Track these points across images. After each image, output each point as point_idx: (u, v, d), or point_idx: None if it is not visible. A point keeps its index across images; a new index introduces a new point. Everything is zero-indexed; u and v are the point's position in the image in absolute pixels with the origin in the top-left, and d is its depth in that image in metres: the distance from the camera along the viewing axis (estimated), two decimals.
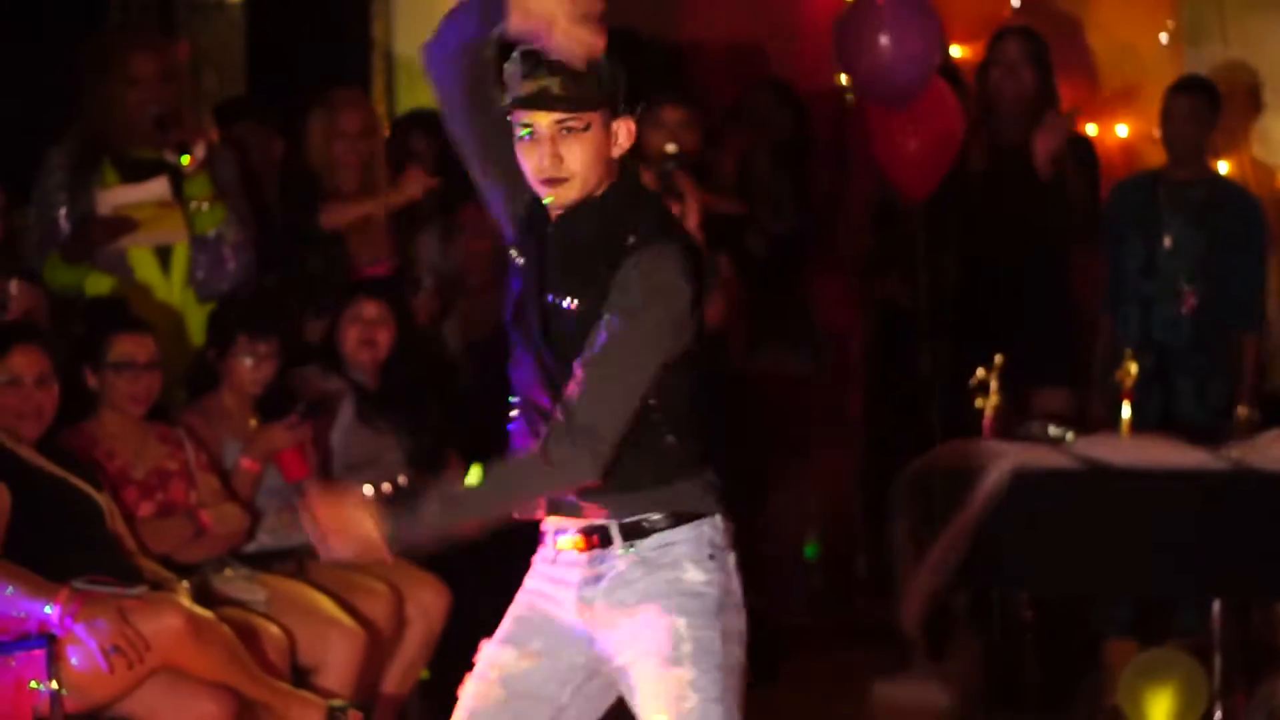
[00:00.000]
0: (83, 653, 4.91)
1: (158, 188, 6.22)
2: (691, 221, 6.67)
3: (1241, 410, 7.24)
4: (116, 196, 6.21)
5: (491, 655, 3.90)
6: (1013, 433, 6.61)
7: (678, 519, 3.70)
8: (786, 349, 7.81)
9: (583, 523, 3.74)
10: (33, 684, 4.95)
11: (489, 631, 6.17)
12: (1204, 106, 7.33)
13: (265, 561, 5.87)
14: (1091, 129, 8.37)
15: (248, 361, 5.99)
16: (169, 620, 5.02)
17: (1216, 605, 6.92)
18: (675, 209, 6.51)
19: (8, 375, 5.27)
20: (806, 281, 7.99)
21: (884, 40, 7.16)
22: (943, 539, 6.29)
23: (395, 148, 7.20)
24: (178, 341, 6.23)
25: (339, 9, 8.27)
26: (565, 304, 3.67)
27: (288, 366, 6.18)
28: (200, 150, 6.17)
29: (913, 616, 6.42)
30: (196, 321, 6.30)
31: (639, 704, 3.71)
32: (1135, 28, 8.74)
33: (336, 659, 5.58)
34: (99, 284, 6.23)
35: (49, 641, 4.92)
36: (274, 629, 5.46)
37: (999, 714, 6.72)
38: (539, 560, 3.89)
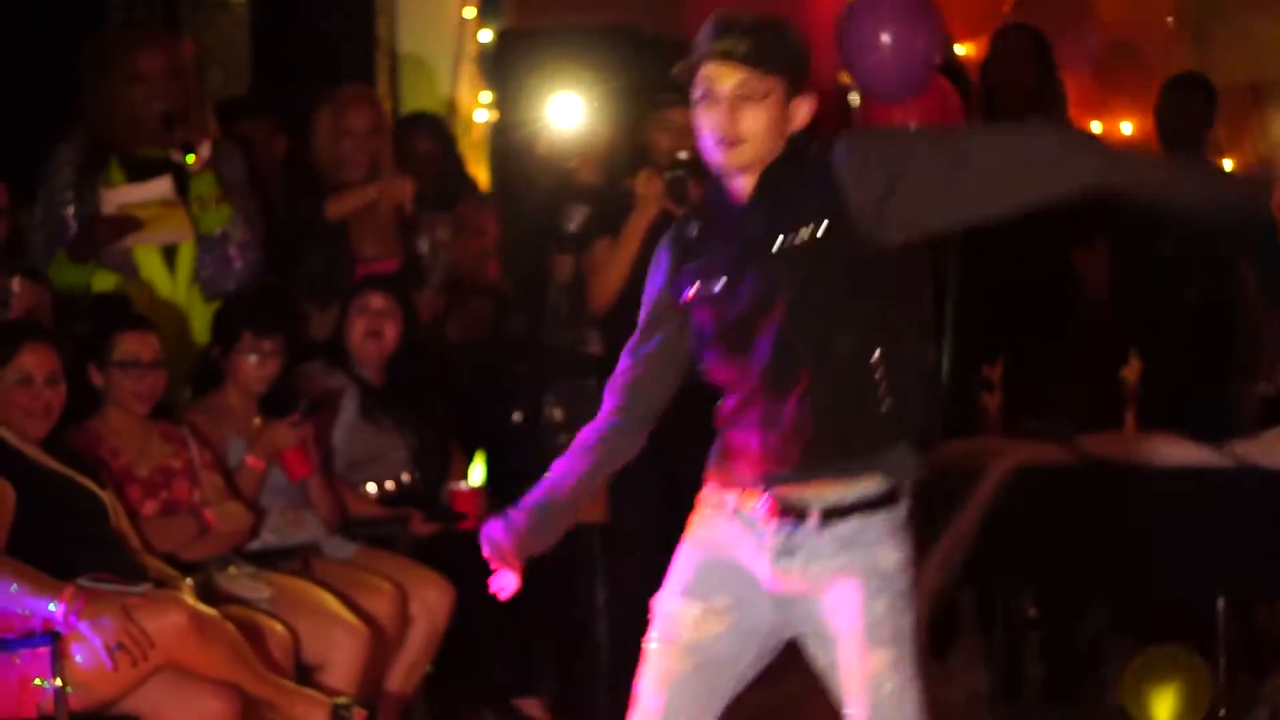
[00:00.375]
0: (87, 650, 4.89)
1: (163, 186, 6.21)
2: None
3: (1244, 405, 7.26)
4: (122, 195, 6.20)
5: (674, 613, 3.86)
6: (1016, 430, 6.61)
7: (877, 501, 3.72)
8: None
9: (782, 495, 3.72)
10: (37, 681, 4.93)
11: (492, 629, 6.17)
12: (1198, 101, 7.34)
13: (269, 559, 5.86)
14: (1096, 126, 8.38)
15: (252, 359, 5.99)
16: (173, 618, 5.01)
17: (1221, 603, 6.93)
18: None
19: (18, 374, 5.25)
20: None
21: (885, 37, 7.15)
22: (946, 537, 6.29)
23: (397, 149, 7.21)
24: (182, 340, 6.23)
25: (343, 7, 8.27)
26: (797, 239, 3.64)
27: (292, 363, 6.19)
28: (206, 149, 6.17)
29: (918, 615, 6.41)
30: (201, 320, 6.29)
31: (840, 682, 3.73)
32: (1138, 24, 8.74)
33: (341, 657, 5.57)
34: (104, 282, 6.23)
35: (53, 639, 4.91)
36: (278, 627, 5.45)
37: (1003, 712, 6.72)
38: (715, 509, 3.85)
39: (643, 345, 3.95)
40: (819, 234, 3.65)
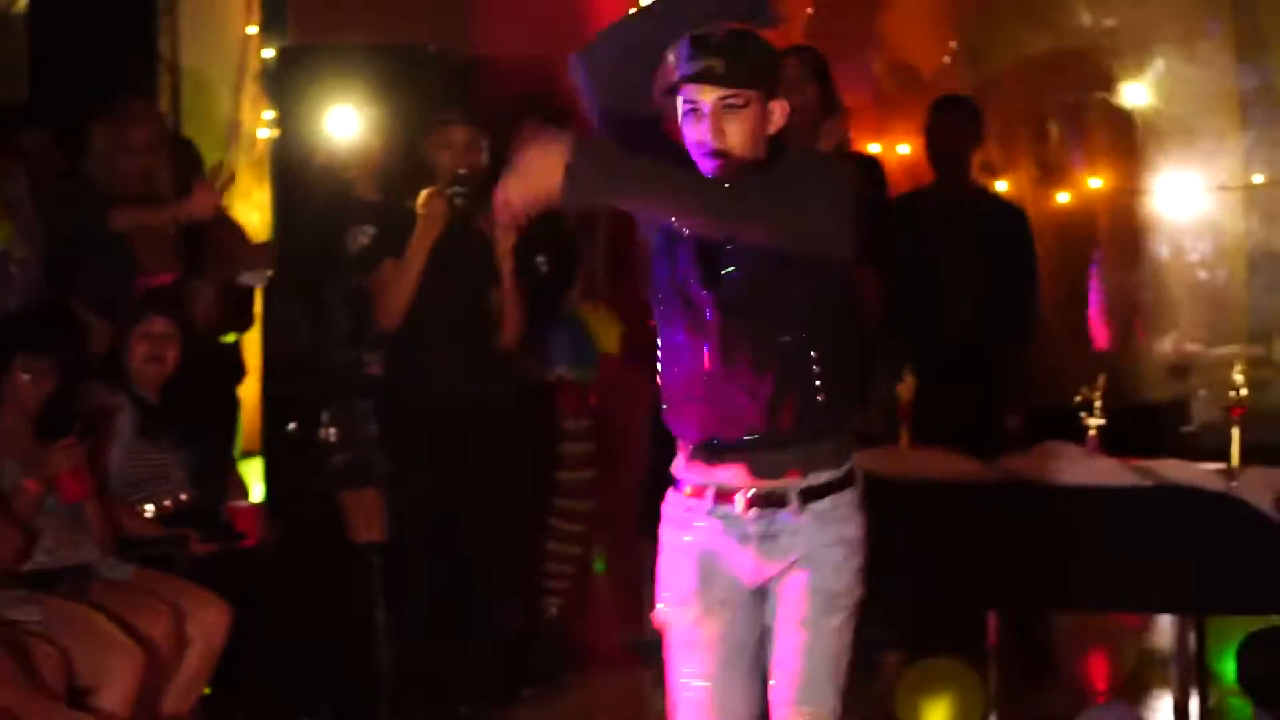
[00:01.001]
0: None
1: None
2: (504, 246, 6.69)
3: (1010, 420, 7.40)
4: None
5: (679, 619, 4.07)
6: None
7: (844, 480, 4.05)
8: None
9: (761, 486, 3.99)
10: None
11: (271, 650, 6.13)
12: (964, 122, 7.48)
13: (43, 581, 5.79)
14: (875, 147, 8.51)
15: (26, 378, 5.92)
16: None
17: (992, 616, 7.06)
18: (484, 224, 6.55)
19: None
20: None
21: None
22: None
23: (183, 160, 7.18)
24: None
25: (124, 22, 8.17)
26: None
27: (71, 382, 6.12)
28: None
29: None
30: None
31: (784, 642, 4.04)
32: (919, 48, 8.88)
33: (114, 679, 5.52)
34: None
35: None
36: (50, 648, 5.39)
37: None
38: (688, 513, 4.07)
39: None
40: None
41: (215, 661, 5.97)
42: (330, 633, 6.43)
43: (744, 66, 3.90)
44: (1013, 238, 7.52)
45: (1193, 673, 6.72)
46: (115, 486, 6.27)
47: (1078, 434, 6.54)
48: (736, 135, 3.90)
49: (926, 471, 6.42)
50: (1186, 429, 8.29)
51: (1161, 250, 8.84)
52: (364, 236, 6.75)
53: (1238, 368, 6.48)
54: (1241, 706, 7.01)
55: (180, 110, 8.35)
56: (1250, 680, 5.73)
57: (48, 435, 5.89)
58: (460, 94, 8.02)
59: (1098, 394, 6.53)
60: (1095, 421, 6.52)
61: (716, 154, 3.89)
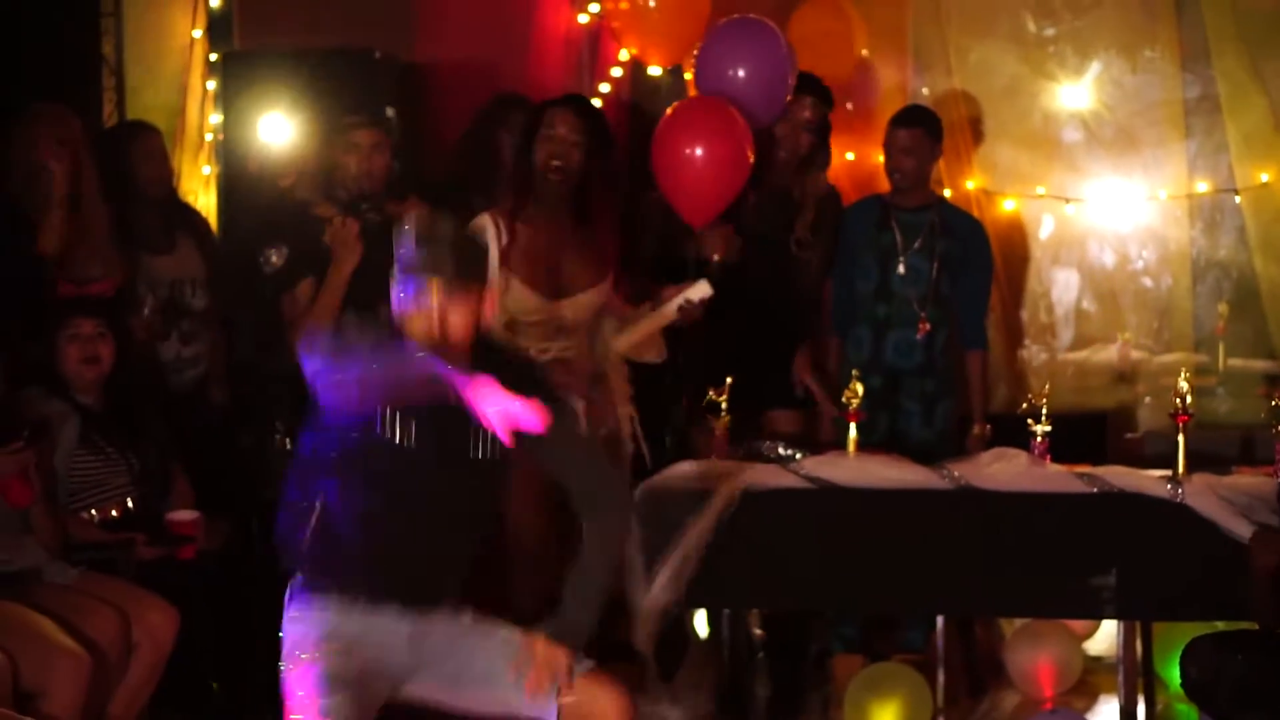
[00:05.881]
0: None
1: None
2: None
3: (977, 429, 7.41)
4: None
5: None
6: (743, 452, 6.68)
7: None
8: None
9: None
10: None
11: (218, 654, 6.12)
12: (924, 137, 7.47)
13: None
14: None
15: None
16: None
17: (940, 621, 7.08)
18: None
19: None
20: None
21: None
22: (674, 556, 6.34)
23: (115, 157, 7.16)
24: None
25: (66, 27, 8.11)
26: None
27: (13, 388, 6.08)
28: None
29: (645, 635, 6.45)
30: None
31: None
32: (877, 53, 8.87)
33: (60, 684, 5.47)
34: None
35: None
36: None
37: None
38: None
39: None
40: None
41: (163, 666, 5.93)
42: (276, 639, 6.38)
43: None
44: (973, 250, 7.54)
45: (1139, 678, 6.76)
46: (59, 493, 6.22)
47: (1024, 440, 6.58)
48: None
49: (874, 477, 6.44)
50: (1131, 435, 8.33)
51: (1106, 258, 8.88)
52: (278, 256, 6.69)
53: (1183, 375, 6.52)
54: (1188, 711, 7.04)
55: (123, 113, 8.30)
56: (1195, 686, 5.75)
57: None
58: (404, 97, 8.02)
59: (1043, 401, 6.56)
60: (1042, 428, 6.55)
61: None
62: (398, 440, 4.31)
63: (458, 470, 4.40)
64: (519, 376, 4.25)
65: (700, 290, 6.58)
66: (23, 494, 5.84)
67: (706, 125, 7.13)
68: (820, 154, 7.54)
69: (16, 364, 6.26)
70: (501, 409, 4.01)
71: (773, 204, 7.36)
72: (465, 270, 4.37)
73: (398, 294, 4.40)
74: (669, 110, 7.31)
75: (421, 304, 4.35)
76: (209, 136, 8.31)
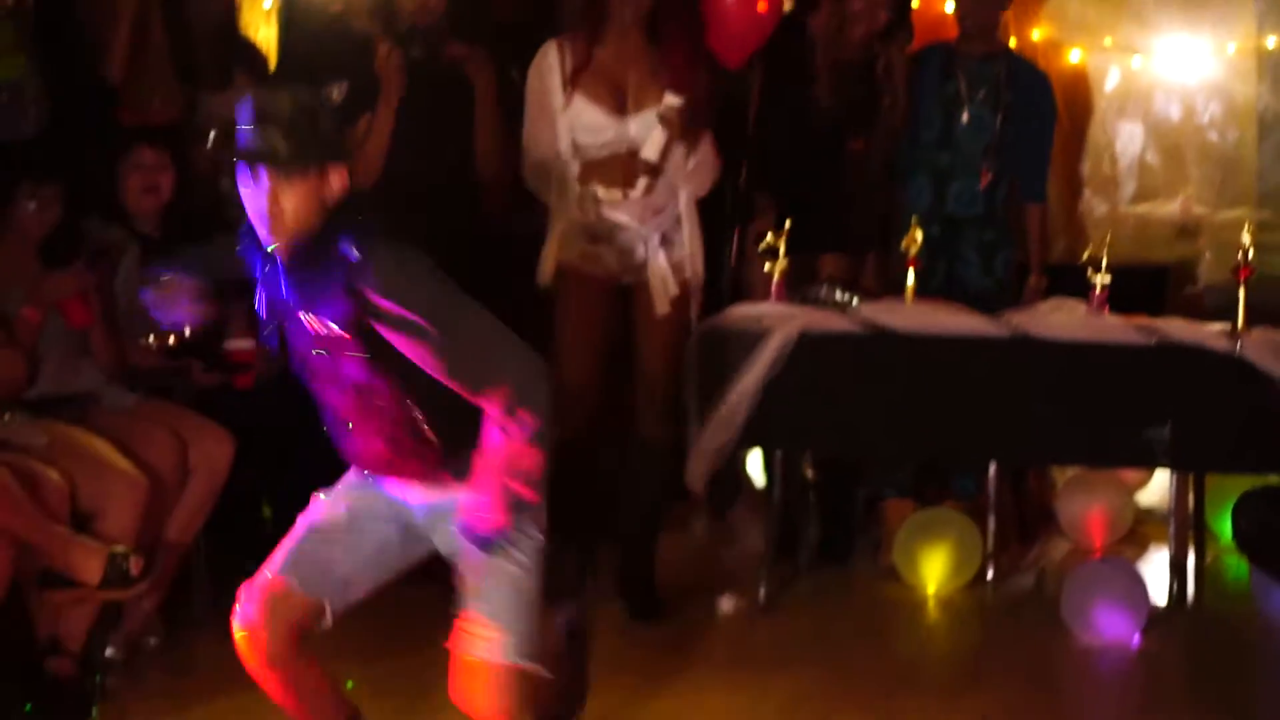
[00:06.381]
0: None
1: None
2: (482, 78, 6.64)
3: (1033, 280, 7.38)
4: None
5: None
6: (799, 296, 6.68)
7: None
8: None
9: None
10: None
11: (271, 482, 6.15)
12: None
13: (47, 408, 5.79)
14: None
15: (30, 206, 5.90)
16: None
17: (992, 468, 7.09)
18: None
19: None
20: None
21: None
22: (728, 398, 6.36)
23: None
24: None
25: None
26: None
27: (75, 212, 6.10)
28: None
29: (698, 474, 6.49)
30: None
31: None
32: None
33: (117, 505, 5.52)
34: None
35: None
36: (53, 474, 5.38)
37: (778, 571, 6.82)
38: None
39: None
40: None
41: (218, 493, 5.98)
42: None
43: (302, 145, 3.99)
44: (1038, 103, 7.47)
45: (1189, 530, 6.77)
46: (118, 317, 6.26)
47: (1083, 292, 6.55)
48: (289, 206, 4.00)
49: (931, 324, 6.43)
50: (1192, 290, 8.29)
51: (1171, 111, 8.79)
52: (338, 92, 6.66)
53: (1246, 229, 6.47)
54: (1237, 564, 7.07)
55: None
56: (1246, 538, 5.76)
57: (54, 263, 5.87)
58: None
59: (1104, 251, 6.52)
60: (1101, 279, 6.52)
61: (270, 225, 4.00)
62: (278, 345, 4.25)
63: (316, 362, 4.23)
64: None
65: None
66: (83, 315, 5.87)
67: None
68: (901, 30, 7.40)
69: (78, 189, 6.28)
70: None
71: (850, 75, 7.24)
72: (303, 152, 3.97)
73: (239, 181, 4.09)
74: None
75: (253, 191, 3.99)
76: None
